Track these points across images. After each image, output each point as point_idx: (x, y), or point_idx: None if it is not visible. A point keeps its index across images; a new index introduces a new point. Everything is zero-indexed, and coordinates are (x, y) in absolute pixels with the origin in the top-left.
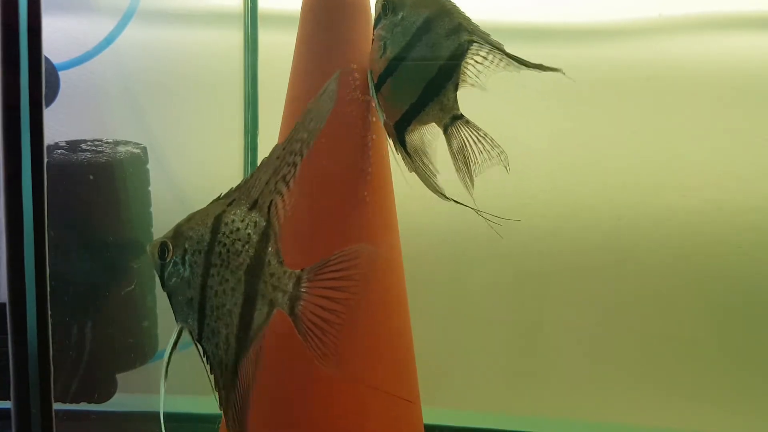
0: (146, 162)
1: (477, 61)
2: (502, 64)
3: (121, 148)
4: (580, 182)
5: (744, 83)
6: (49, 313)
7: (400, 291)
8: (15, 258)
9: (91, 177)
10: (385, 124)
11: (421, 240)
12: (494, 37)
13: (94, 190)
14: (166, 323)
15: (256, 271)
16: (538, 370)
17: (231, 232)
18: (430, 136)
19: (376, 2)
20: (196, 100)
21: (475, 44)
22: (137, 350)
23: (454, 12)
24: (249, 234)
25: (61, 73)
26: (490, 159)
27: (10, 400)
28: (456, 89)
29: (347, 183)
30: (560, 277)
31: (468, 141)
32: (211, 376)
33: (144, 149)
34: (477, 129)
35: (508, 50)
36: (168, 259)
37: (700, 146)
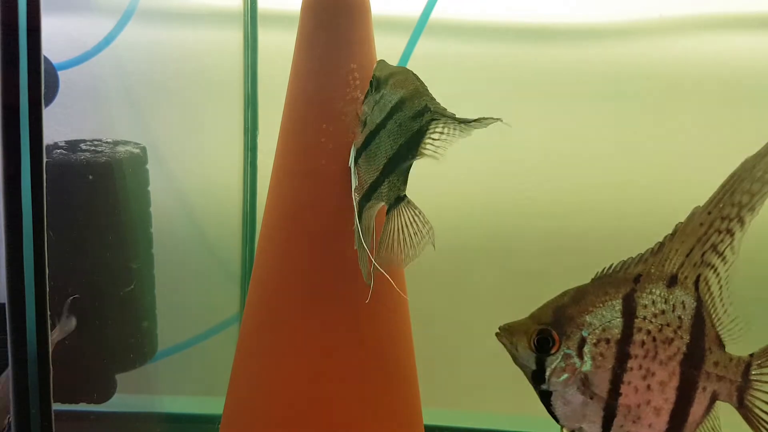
0: (145, 162)
1: (435, 138)
2: (457, 132)
3: (121, 148)
4: (580, 183)
5: (744, 83)
6: (48, 313)
7: (400, 291)
8: (14, 258)
9: (91, 177)
10: (354, 195)
11: None
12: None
13: (93, 190)
14: (165, 323)
15: (695, 361)
16: None
17: (654, 316)
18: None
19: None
20: (196, 100)
21: (433, 122)
22: (137, 350)
23: (425, 94)
24: (679, 317)
25: (60, 73)
26: (421, 240)
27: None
28: (407, 171)
29: (347, 183)
30: (560, 277)
31: (405, 223)
32: None
33: (143, 149)
34: (414, 208)
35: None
36: (554, 351)
37: (700, 146)
